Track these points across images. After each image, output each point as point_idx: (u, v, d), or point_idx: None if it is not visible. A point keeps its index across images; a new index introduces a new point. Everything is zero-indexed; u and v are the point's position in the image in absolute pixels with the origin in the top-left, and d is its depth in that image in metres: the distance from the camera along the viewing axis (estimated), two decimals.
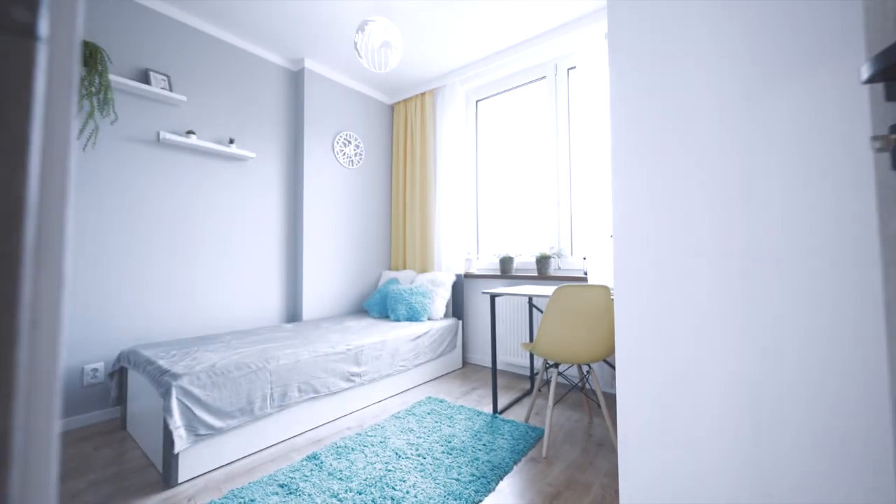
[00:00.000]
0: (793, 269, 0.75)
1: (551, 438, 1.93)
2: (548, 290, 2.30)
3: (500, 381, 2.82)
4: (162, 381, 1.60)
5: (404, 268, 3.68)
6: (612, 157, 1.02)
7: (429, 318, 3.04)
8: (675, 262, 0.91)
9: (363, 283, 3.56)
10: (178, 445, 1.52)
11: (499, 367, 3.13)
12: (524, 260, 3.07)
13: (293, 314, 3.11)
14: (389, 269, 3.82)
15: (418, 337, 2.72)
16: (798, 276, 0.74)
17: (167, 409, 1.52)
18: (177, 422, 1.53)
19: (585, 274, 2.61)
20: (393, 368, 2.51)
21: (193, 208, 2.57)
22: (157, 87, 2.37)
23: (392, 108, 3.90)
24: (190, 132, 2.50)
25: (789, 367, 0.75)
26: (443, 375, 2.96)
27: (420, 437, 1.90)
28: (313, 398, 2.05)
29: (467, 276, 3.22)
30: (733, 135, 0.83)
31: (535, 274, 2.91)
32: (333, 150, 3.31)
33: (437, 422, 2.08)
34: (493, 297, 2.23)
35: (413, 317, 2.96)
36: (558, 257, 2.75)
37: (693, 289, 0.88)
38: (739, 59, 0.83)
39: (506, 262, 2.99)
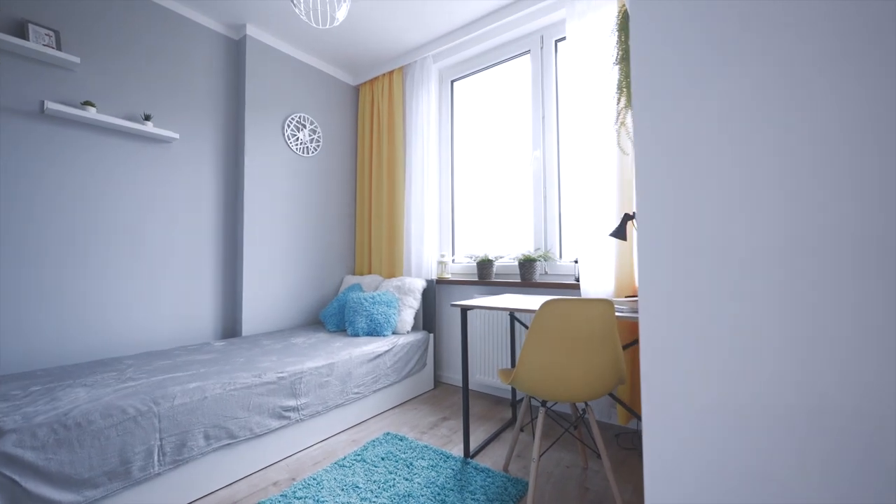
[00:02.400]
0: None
1: (537, 494, 1.49)
2: (533, 301, 1.86)
3: (475, 409, 2.37)
4: None
5: (369, 272, 3.21)
6: (636, 124, 0.60)
7: (394, 332, 2.58)
8: (723, 263, 0.49)
9: (321, 289, 3.07)
10: None
11: (475, 388, 2.69)
12: (505, 263, 2.64)
13: (231, 328, 2.61)
14: (353, 273, 3.34)
15: (378, 356, 2.26)
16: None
17: None
18: None
19: (577, 280, 2.19)
20: (344, 397, 2.04)
21: (94, 199, 2.06)
22: (37, 44, 1.85)
23: (357, 89, 3.43)
24: (87, 104, 1.99)
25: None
26: (410, 400, 2.50)
27: (365, 500, 1.44)
28: (228, 445, 1.57)
29: (441, 281, 2.77)
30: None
31: (519, 280, 2.48)
32: (284, 134, 2.82)
33: (391, 472, 1.62)
34: (464, 310, 1.78)
35: (375, 330, 2.50)
36: (545, 260, 2.32)
37: (751, 294, 0.46)
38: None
39: (484, 266, 2.55)
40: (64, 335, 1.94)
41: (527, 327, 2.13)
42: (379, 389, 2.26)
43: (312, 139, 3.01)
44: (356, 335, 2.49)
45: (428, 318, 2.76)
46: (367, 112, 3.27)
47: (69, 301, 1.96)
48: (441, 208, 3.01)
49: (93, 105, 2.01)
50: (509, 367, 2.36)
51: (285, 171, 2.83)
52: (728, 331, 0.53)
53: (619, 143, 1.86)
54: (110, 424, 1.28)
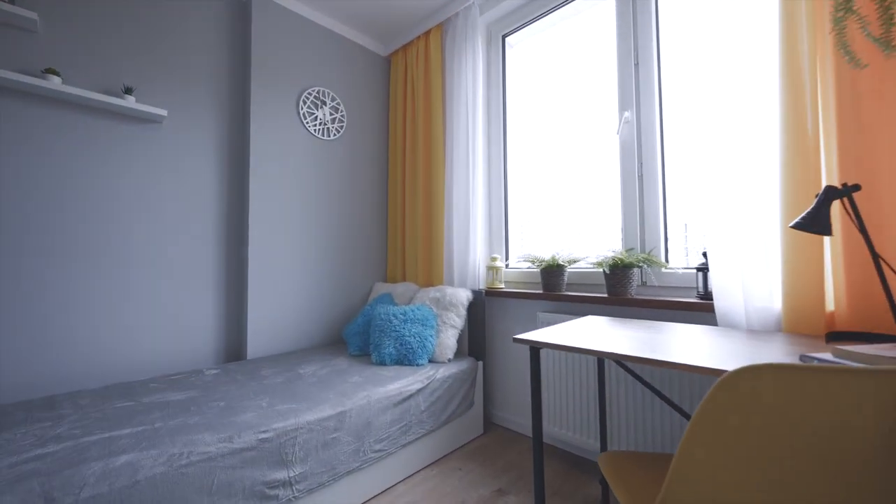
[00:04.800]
0: None
1: None
2: (636, 333, 1.17)
3: (547, 472, 1.70)
4: None
5: (403, 279, 2.63)
6: None
7: (430, 360, 1.97)
8: None
9: (346, 300, 2.54)
10: None
11: (544, 440, 2.00)
12: (582, 269, 1.94)
13: (235, 349, 2.14)
14: (385, 280, 2.79)
15: (409, 397, 1.66)
16: None
17: None
18: None
19: (703, 294, 1.45)
20: (360, 458, 1.46)
21: (58, 192, 1.65)
22: None
23: (388, 60, 2.88)
24: (50, 72, 1.59)
25: None
26: (453, 453, 1.88)
27: None
28: None
29: (492, 292, 2.13)
30: None
31: (605, 292, 1.77)
32: (299, 112, 2.33)
33: None
34: (534, 349, 1.13)
35: (406, 358, 1.90)
36: (648, 266, 1.59)
37: None
38: None
39: (552, 274, 1.87)
40: (9, 364, 1.54)
41: (638, 378, 1.42)
42: (410, 442, 1.66)
43: (334, 119, 2.49)
44: (382, 363, 1.91)
45: (475, 340, 2.13)
46: (399, 86, 2.71)
47: (20, 322, 1.56)
48: (491, 199, 2.37)
49: (56, 74, 1.60)
50: (596, 423, 1.66)
51: (301, 156, 2.34)
52: None
53: (842, 47, 1.04)
54: None
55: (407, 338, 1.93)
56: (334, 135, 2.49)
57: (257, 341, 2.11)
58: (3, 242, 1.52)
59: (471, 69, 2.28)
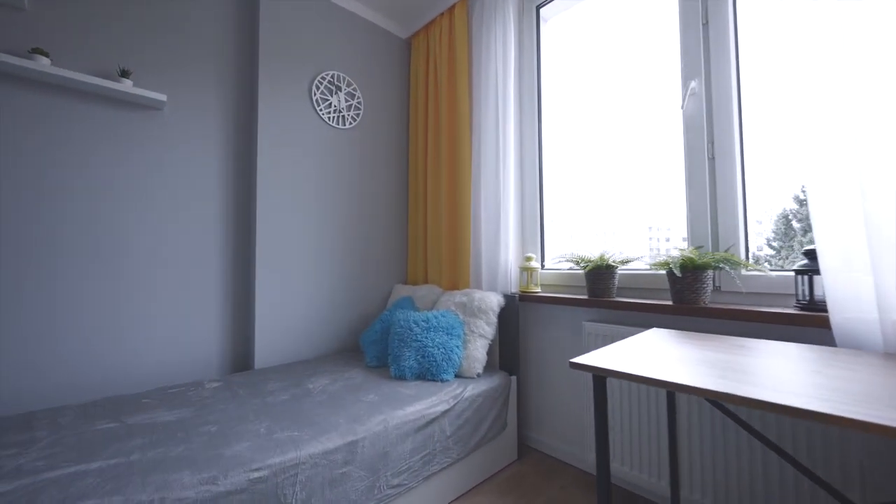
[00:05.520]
0: None
1: None
2: (723, 357, 0.88)
3: None
4: None
5: (425, 282, 2.39)
6: None
7: (457, 375, 1.72)
8: None
9: (362, 304, 2.33)
10: None
11: (588, 469, 1.71)
12: (636, 270, 1.64)
13: (242, 358, 1.95)
14: (406, 282, 2.55)
15: (433, 420, 1.41)
16: None
17: None
18: None
19: (810, 301, 1.13)
20: (375, 496, 1.22)
21: (46, 185, 1.50)
22: None
23: (408, 43, 2.65)
24: (37, 52, 1.43)
25: None
26: (482, 484, 1.62)
27: None
28: None
29: (526, 297, 1.86)
30: None
31: (669, 299, 1.47)
32: (311, 98, 2.12)
33: None
34: (598, 377, 0.85)
35: (429, 372, 1.66)
36: (731, 267, 1.27)
37: None
38: None
39: (600, 277, 1.59)
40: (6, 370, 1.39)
41: (721, 407, 1.13)
42: (433, 474, 1.41)
43: (350, 105, 2.28)
44: (401, 377, 1.67)
45: (508, 352, 1.86)
46: (420, 70, 2.47)
47: (6, 329, 1.40)
48: (524, 191, 2.09)
49: (45, 54, 1.45)
50: (665, 459, 1.36)
51: (313, 146, 2.13)
52: None
53: None
54: None
55: (430, 349, 1.69)
56: (350, 123, 2.27)
57: (266, 349, 1.92)
58: (8, 239, 1.38)
59: (501, 47, 2.01)
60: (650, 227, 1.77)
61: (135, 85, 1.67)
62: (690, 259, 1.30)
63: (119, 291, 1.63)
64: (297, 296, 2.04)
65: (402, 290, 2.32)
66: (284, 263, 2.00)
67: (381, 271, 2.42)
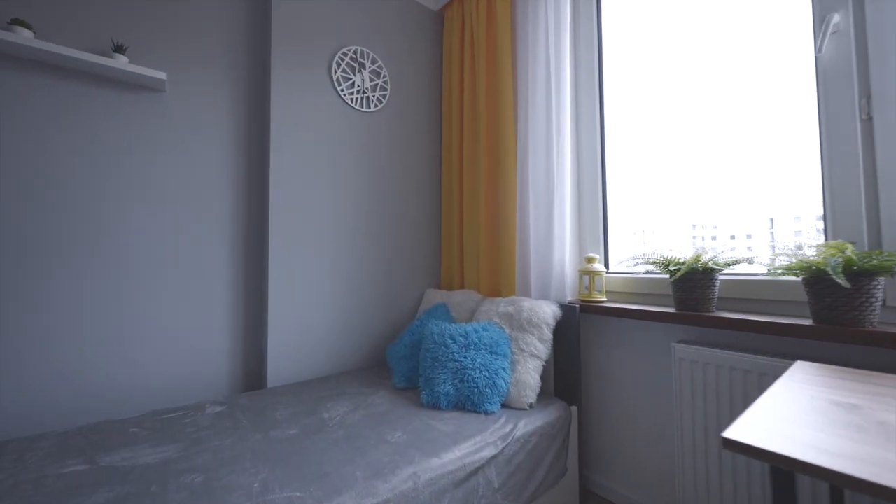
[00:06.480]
0: None
1: None
2: None
3: None
4: None
5: (461, 286, 2.07)
6: None
7: (504, 405, 1.38)
8: None
9: (389, 311, 2.04)
10: None
11: None
12: (750, 275, 1.24)
13: (255, 375, 1.71)
14: (439, 286, 2.25)
15: (477, 471, 1.09)
16: None
17: None
18: None
19: None
20: None
21: (31, 177, 1.31)
22: None
23: (440, 15, 2.34)
24: (18, 23, 1.24)
25: None
26: None
27: None
28: None
29: (589, 307, 1.49)
30: None
31: (801, 317, 1.06)
32: (332, 77, 1.86)
33: None
34: (780, 472, 0.49)
35: (470, 401, 1.34)
36: None
37: None
38: None
39: (695, 284, 1.20)
40: None
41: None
42: None
43: (375, 85, 2.00)
44: (436, 405, 1.36)
45: (566, 375, 1.50)
46: (454, 46, 2.16)
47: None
48: (581, 180, 1.73)
49: (27, 26, 1.26)
50: None
51: (334, 132, 1.87)
52: None
53: None
54: None
55: (470, 371, 1.37)
56: (375, 105, 1.99)
57: (279, 365, 1.67)
58: None
59: (552, 16, 1.67)
60: (769, 218, 1.35)
61: (131, 62, 1.46)
62: (850, 261, 0.90)
63: (114, 297, 1.42)
64: (315, 303, 1.78)
65: (434, 296, 2.01)
66: (301, 265, 1.74)
67: (410, 274, 2.12)
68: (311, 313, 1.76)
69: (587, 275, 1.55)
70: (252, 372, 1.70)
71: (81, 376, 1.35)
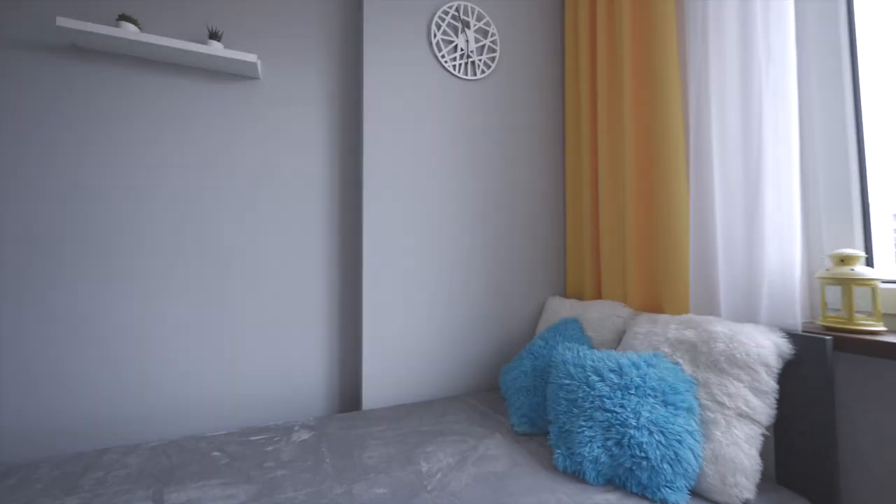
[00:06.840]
0: None
1: None
2: None
3: None
4: None
5: (597, 295, 1.56)
6: None
7: (692, 491, 0.86)
8: None
9: (504, 323, 1.65)
10: None
11: None
12: None
13: (351, 395, 1.50)
14: (564, 294, 1.77)
15: None
16: None
17: None
18: None
19: None
20: None
21: (127, 178, 1.28)
22: None
23: None
24: (124, 19, 1.21)
25: None
26: None
27: None
28: None
29: (850, 340, 0.86)
30: None
31: None
32: (431, 41, 1.56)
33: None
34: None
35: (632, 478, 0.86)
36: None
37: None
38: None
39: None
40: (68, 400, 1.19)
41: None
42: None
43: (482, 47, 1.64)
44: (579, 475, 0.91)
45: (806, 456, 0.90)
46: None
47: (77, 343, 1.20)
48: (814, 136, 1.08)
49: (133, 21, 1.22)
50: None
51: (435, 107, 1.56)
52: None
53: None
54: None
55: (633, 431, 0.88)
56: (482, 71, 1.63)
57: (375, 385, 1.41)
58: (78, 241, 1.20)
59: None
60: None
61: (227, 48, 1.36)
62: None
63: (222, 301, 1.33)
64: (415, 315, 1.48)
65: (560, 308, 1.55)
66: (399, 272, 1.47)
67: (527, 276, 1.70)
68: (410, 327, 1.48)
69: (839, 284, 0.92)
70: (348, 392, 1.49)
71: (182, 387, 1.28)
